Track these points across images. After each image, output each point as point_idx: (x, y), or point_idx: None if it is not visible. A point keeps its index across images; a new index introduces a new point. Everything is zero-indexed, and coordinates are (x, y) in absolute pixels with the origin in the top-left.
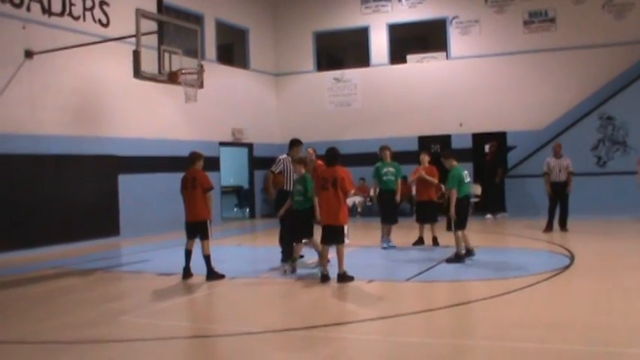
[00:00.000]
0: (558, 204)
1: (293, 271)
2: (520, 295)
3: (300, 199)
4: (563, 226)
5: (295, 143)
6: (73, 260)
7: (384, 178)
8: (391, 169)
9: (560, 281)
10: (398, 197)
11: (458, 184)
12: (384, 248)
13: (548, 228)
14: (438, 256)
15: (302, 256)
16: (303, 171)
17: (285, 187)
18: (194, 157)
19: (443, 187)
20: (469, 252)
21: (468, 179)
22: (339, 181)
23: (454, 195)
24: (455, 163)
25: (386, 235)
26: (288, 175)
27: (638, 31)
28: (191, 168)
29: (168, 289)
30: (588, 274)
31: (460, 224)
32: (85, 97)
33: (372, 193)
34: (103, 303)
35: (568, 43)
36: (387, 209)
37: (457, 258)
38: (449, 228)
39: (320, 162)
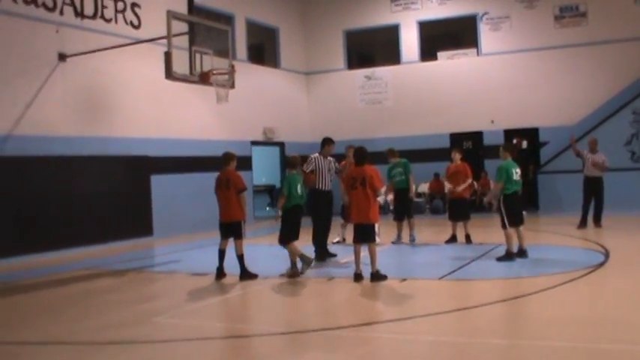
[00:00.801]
0: (593, 200)
1: (292, 275)
2: (554, 293)
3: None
4: (597, 222)
5: (327, 142)
6: (106, 261)
7: (395, 178)
8: (399, 169)
9: (595, 278)
10: (413, 192)
11: (506, 179)
12: (393, 243)
13: (583, 224)
14: (472, 254)
15: (335, 255)
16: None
17: (317, 186)
18: (228, 157)
19: (475, 183)
20: (522, 252)
21: (516, 176)
22: (367, 180)
23: (498, 186)
24: (509, 157)
25: (399, 232)
26: (320, 174)
27: None
28: (225, 168)
29: (201, 289)
30: (623, 271)
31: (512, 221)
32: (116, 98)
33: (389, 193)
34: (138, 303)
35: (599, 37)
36: (399, 208)
37: (507, 256)
38: (503, 226)
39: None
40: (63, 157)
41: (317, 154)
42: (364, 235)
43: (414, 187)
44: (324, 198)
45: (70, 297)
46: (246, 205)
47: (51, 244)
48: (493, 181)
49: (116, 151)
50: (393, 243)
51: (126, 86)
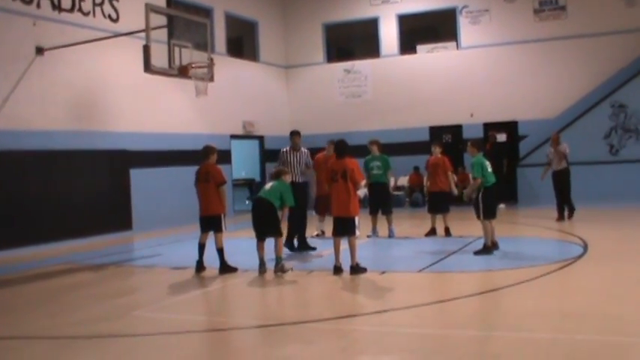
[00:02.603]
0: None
1: (282, 270)
2: (534, 285)
3: None
4: (568, 214)
5: (292, 134)
6: (85, 255)
7: (372, 172)
8: (377, 163)
9: (574, 270)
10: (391, 188)
11: (482, 172)
12: (369, 236)
13: (561, 216)
14: (451, 246)
15: (314, 248)
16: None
17: (292, 179)
18: (208, 150)
19: (455, 177)
20: (493, 244)
21: (489, 169)
22: (348, 173)
23: (478, 181)
24: (477, 152)
25: (374, 225)
26: (291, 167)
27: None
28: (205, 162)
29: (181, 283)
30: (602, 263)
31: (489, 213)
32: (95, 92)
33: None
34: (116, 298)
35: (579, 30)
36: (374, 201)
37: (485, 249)
38: (478, 216)
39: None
40: (41, 151)
41: (286, 148)
42: (344, 228)
43: (391, 184)
44: (298, 190)
45: (48, 292)
46: (226, 199)
47: (29, 239)
48: (470, 176)
49: (95, 146)
50: (368, 237)
51: (104, 80)
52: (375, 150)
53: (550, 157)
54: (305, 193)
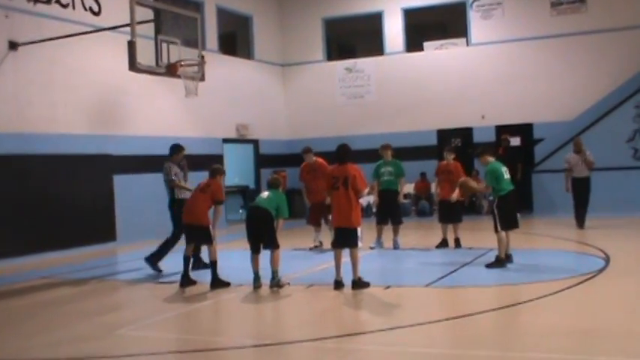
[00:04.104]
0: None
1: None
2: (552, 301)
3: None
4: (581, 222)
5: (178, 148)
6: (66, 269)
7: (383, 178)
8: (389, 169)
9: (595, 285)
10: (401, 197)
11: (496, 181)
12: (372, 248)
13: (581, 225)
14: (462, 259)
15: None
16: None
17: (177, 196)
18: (215, 171)
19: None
20: (507, 257)
21: (507, 175)
22: (350, 180)
23: (482, 189)
24: (491, 159)
25: (379, 236)
26: (180, 182)
27: None
28: (211, 178)
29: (168, 299)
30: (625, 277)
31: (506, 224)
32: (76, 91)
33: (372, 193)
34: (99, 315)
35: (600, 25)
36: (383, 210)
37: (498, 262)
38: (496, 229)
39: (321, 160)
40: (15, 155)
41: (170, 163)
42: (345, 239)
43: (402, 193)
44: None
45: (26, 309)
46: (219, 218)
47: (3, 252)
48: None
49: (75, 149)
50: (371, 248)
51: (85, 79)
52: (387, 155)
53: (572, 162)
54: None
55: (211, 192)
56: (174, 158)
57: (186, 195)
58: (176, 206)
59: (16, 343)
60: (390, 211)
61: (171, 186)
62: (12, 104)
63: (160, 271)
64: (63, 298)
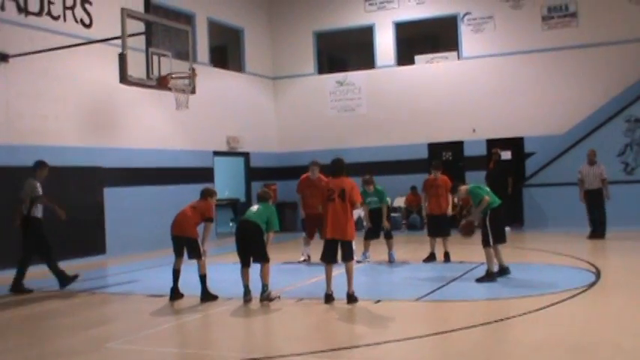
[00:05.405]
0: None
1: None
2: (542, 315)
3: None
4: (600, 234)
5: (42, 165)
6: (54, 281)
7: (371, 206)
8: (374, 198)
9: (585, 299)
10: (385, 223)
11: (487, 194)
12: (358, 262)
13: (595, 234)
14: (451, 273)
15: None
16: None
17: (35, 214)
18: (206, 192)
19: (456, 198)
20: (504, 269)
21: (489, 190)
22: (347, 192)
23: (486, 201)
24: (463, 186)
25: (365, 250)
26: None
27: None
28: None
29: (158, 312)
30: (615, 292)
31: (499, 237)
32: (66, 103)
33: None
34: (89, 328)
35: (591, 39)
36: (374, 227)
37: (488, 276)
38: (486, 243)
39: (324, 178)
40: (5, 167)
41: (33, 179)
42: (341, 251)
43: (386, 220)
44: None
45: (13, 322)
46: (209, 235)
47: None
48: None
49: (65, 162)
50: (358, 262)
51: (76, 90)
52: (370, 189)
53: (583, 174)
54: (39, 229)
55: (201, 209)
56: (38, 174)
57: (40, 214)
58: (32, 225)
59: (3, 357)
60: (381, 228)
61: (39, 202)
62: (2, 116)
63: (76, 276)
64: (52, 310)
